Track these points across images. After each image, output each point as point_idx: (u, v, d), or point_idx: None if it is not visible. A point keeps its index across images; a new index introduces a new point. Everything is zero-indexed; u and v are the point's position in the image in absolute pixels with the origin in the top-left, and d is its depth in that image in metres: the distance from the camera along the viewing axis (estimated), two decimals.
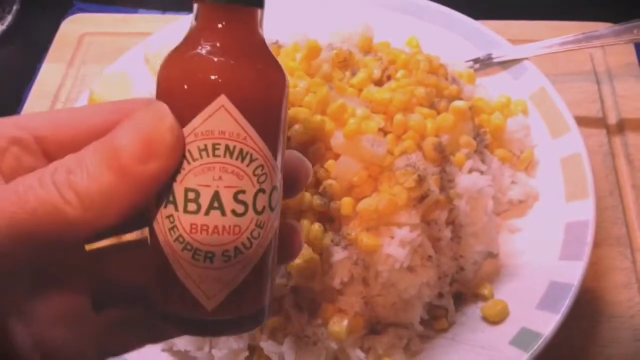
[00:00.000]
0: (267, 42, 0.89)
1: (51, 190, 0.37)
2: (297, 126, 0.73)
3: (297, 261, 0.68)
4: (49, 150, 0.42)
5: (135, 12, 1.23)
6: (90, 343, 0.45)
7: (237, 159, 0.40)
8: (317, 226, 0.71)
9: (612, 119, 0.99)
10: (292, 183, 0.49)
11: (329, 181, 0.73)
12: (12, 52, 1.22)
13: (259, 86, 0.42)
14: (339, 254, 0.71)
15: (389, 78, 0.86)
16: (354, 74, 0.84)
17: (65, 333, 0.43)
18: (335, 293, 0.72)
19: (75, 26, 1.19)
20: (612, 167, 0.93)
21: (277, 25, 0.96)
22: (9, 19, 1.22)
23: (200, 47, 0.42)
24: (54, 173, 0.38)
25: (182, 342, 0.73)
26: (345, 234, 0.71)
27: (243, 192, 0.41)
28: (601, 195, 0.89)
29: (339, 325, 0.71)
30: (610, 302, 0.81)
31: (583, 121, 0.90)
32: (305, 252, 0.69)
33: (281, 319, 0.72)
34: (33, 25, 1.24)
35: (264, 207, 0.42)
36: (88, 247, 0.47)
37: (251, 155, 0.41)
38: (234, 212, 0.40)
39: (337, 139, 0.73)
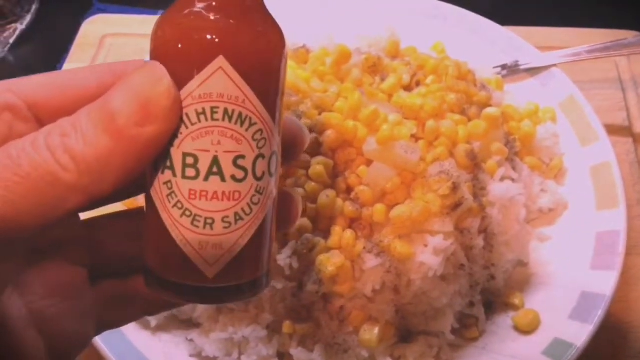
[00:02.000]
0: (294, 46, 0.90)
1: (45, 154, 0.35)
2: (329, 132, 0.73)
3: (330, 268, 0.68)
4: (42, 117, 0.40)
5: (157, 13, 1.22)
6: (86, 315, 0.44)
7: (236, 123, 0.39)
8: (349, 233, 0.70)
9: (638, 128, 0.98)
10: (290, 149, 0.47)
11: (361, 187, 0.72)
12: (31, 52, 1.21)
13: (259, 48, 0.40)
14: (371, 262, 0.70)
15: (417, 84, 0.85)
16: (383, 79, 0.84)
17: (60, 305, 0.42)
18: (367, 300, 0.72)
19: (96, 27, 1.18)
20: (639, 176, 0.92)
21: (301, 29, 0.97)
22: (28, 18, 1.21)
23: (196, 6, 0.39)
24: (48, 136, 0.36)
25: (211, 348, 0.73)
26: (377, 241, 0.71)
27: (242, 157, 0.39)
28: (629, 204, 0.87)
29: (370, 333, 0.70)
30: (638, 312, 0.80)
31: (609, 129, 0.90)
32: (338, 259, 0.68)
33: (312, 326, 0.72)
34: (52, 25, 1.23)
35: (263, 173, 0.41)
36: (83, 216, 0.45)
37: (250, 119, 0.39)
38: (233, 177, 0.39)
39: (370, 145, 0.73)
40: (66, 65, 1.13)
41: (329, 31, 0.92)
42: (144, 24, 1.18)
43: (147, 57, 0.98)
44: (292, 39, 0.91)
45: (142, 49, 1.04)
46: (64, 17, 1.24)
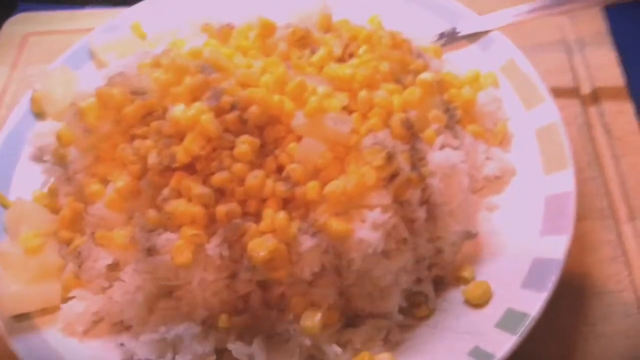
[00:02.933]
0: (220, 24, 0.85)
1: None
2: (253, 107, 0.68)
3: (262, 253, 0.63)
4: None
5: (83, 8, 1.16)
6: None
7: None
8: (282, 214, 0.65)
9: (586, 89, 0.95)
10: None
11: (292, 165, 0.67)
12: None
13: None
14: (307, 243, 0.65)
15: (351, 55, 0.81)
16: (313, 53, 0.79)
17: None
18: (306, 285, 0.67)
19: (18, 26, 1.12)
20: (589, 138, 0.89)
21: (232, 8, 0.92)
22: None
23: None
24: None
25: (143, 351, 0.67)
26: (313, 220, 0.66)
27: None
28: (580, 167, 0.84)
29: (312, 319, 0.66)
30: (597, 278, 0.77)
31: (556, 92, 0.86)
32: (270, 243, 0.63)
33: (249, 318, 0.67)
34: None
35: None
36: None
37: None
38: None
39: (298, 120, 0.68)
40: None
41: (258, 8, 0.87)
42: (70, 20, 1.12)
43: (68, 51, 0.93)
44: (219, 18, 0.87)
45: (67, 45, 0.98)
46: None
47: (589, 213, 0.82)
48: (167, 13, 0.99)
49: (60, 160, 0.78)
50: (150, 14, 1.00)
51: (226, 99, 0.68)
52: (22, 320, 0.70)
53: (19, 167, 0.85)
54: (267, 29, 0.77)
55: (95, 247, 0.71)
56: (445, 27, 0.94)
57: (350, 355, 0.67)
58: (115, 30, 0.97)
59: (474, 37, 0.91)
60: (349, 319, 0.70)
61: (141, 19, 0.99)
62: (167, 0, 1.01)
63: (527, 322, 0.64)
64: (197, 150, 0.66)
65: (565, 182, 0.73)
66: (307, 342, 0.66)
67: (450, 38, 0.92)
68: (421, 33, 0.92)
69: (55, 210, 0.77)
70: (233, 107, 0.68)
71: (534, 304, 0.65)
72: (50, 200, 0.78)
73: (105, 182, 0.73)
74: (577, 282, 0.76)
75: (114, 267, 0.70)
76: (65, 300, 0.71)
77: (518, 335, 0.63)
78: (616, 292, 0.76)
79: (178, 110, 0.68)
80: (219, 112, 0.68)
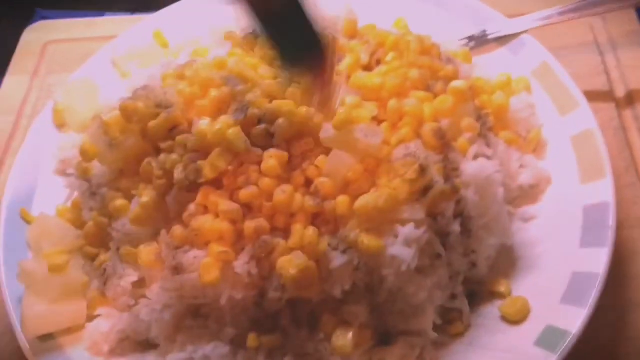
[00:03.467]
0: (244, 32, 0.83)
1: None
2: (280, 120, 0.66)
3: (292, 271, 0.61)
4: None
5: (103, 14, 1.15)
6: None
7: None
8: (311, 230, 0.63)
9: (621, 92, 0.92)
10: None
11: (321, 179, 0.65)
12: None
13: None
14: (338, 260, 0.63)
15: (378, 63, 0.79)
16: (340, 61, 0.77)
17: None
18: (337, 303, 0.65)
19: (37, 34, 1.11)
20: (625, 143, 0.86)
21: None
22: None
23: None
24: None
25: None
26: (343, 236, 0.64)
27: None
28: (617, 173, 0.81)
29: (344, 338, 0.64)
30: (637, 289, 0.74)
31: (589, 96, 0.83)
32: (300, 261, 0.62)
33: (279, 337, 0.65)
34: None
35: None
36: None
37: None
38: None
39: (327, 132, 0.66)
40: (7, 78, 1.05)
41: None
42: (89, 27, 1.11)
43: (90, 61, 0.91)
44: (240, 24, 0.84)
45: (88, 53, 0.97)
46: (5, 27, 1.16)
47: (626, 221, 0.79)
48: (189, 20, 0.98)
49: (84, 174, 0.77)
50: (172, 21, 0.99)
51: (253, 112, 0.66)
52: (46, 340, 0.69)
53: (41, 181, 0.84)
54: None
55: (121, 263, 0.69)
56: (473, 31, 0.91)
57: None
58: (137, 38, 0.96)
59: (503, 40, 0.89)
60: (382, 337, 0.67)
61: (163, 26, 0.97)
62: (189, 7, 1.00)
63: (568, 340, 0.61)
64: (224, 165, 0.64)
65: (603, 191, 0.71)
66: None
67: (479, 41, 0.90)
68: (449, 37, 0.89)
69: (79, 225, 0.75)
70: (260, 121, 0.66)
71: (574, 320, 0.62)
72: (74, 215, 0.76)
73: (130, 197, 0.71)
74: (616, 295, 0.73)
75: (140, 284, 0.69)
76: (91, 318, 0.70)
77: (559, 354, 0.61)
78: None
79: (204, 125, 0.66)
80: (246, 126, 0.66)
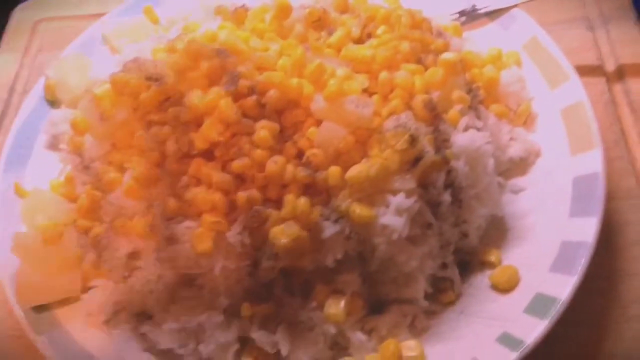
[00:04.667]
0: (234, 5, 0.83)
1: None
2: (272, 91, 0.66)
3: (284, 240, 0.61)
4: None
5: None
6: None
7: None
8: (303, 200, 0.64)
9: (611, 66, 0.92)
10: None
11: (313, 150, 0.66)
12: None
13: None
14: (330, 229, 0.64)
15: (369, 36, 0.79)
16: (330, 34, 0.77)
17: None
18: (330, 272, 0.66)
19: (28, 13, 1.10)
20: (615, 116, 0.87)
21: None
22: None
23: None
24: None
25: (165, 340, 0.67)
26: (335, 206, 0.65)
27: None
28: (606, 146, 0.81)
29: (336, 306, 0.64)
30: (627, 259, 0.75)
31: (580, 70, 0.84)
32: (292, 230, 0.62)
33: (272, 306, 0.66)
34: None
35: None
36: None
37: None
38: None
39: (318, 103, 0.67)
40: None
41: None
42: (80, 5, 1.11)
43: (80, 37, 0.91)
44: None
45: (79, 31, 0.96)
46: None
47: (615, 193, 0.80)
48: None
49: (76, 149, 0.77)
50: None
51: (244, 83, 0.66)
52: (41, 311, 0.69)
53: (34, 156, 0.84)
54: (283, 11, 0.75)
55: (115, 235, 0.69)
56: (464, 5, 0.91)
57: (375, 342, 0.66)
58: (128, 14, 0.95)
59: (494, 14, 0.89)
60: (374, 305, 0.68)
61: (153, 2, 0.97)
62: None
63: (557, 307, 0.62)
64: (216, 136, 0.65)
65: (593, 162, 0.71)
66: (332, 329, 0.65)
67: (470, 16, 0.90)
68: (440, 11, 0.89)
69: (72, 199, 0.76)
70: (251, 92, 0.66)
71: (563, 288, 0.63)
72: (67, 189, 0.77)
73: (122, 170, 0.71)
74: (606, 264, 0.74)
75: (134, 255, 0.69)
76: (86, 290, 0.71)
77: (548, 320, 0.62)
78: None
79: (195, 96, 0.66)
80: (237, 97, 0.66)
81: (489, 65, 0.80)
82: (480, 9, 0.90)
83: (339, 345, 0.66)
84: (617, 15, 0.98)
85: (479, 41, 0.87)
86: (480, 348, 0.63)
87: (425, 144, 0.66)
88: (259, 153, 0.65)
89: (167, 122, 0.68)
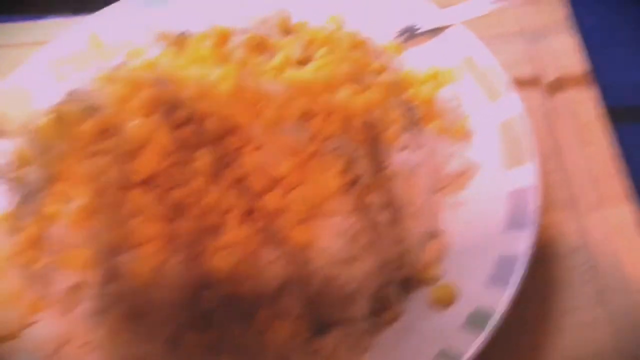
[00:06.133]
0: (177, 32, 0.84)
1: None
2: (210, 119, 0.67)
3: (224, 268, 0.62)
4: None
5: (41, 18, 1.14)
6: None
7: None
8: (243, 227, 0.65)
9: (548, 78, 0.95)
10: None
11: (252, 176, 0.67)
12: None
13: None
14: (270, 254, 0.65)
15: (310, 59, 0.80)
16: (272, 58, 0.78)
17: None
18: (272, 297, 0.66)
19: None
20: (552, 128, 0.89)
21: (192, 16, 0.91)
22: None
23: None
24: None
25: None
26: (275, 231, 0.66)
27: None
28: (543, 157, 0.85)
29: (279, 331, 0.65)
30: (562, 269, 0.77)
31: (519, 83, 0.86)
32: (232, 257, 0.63)
33: (216, 333, 0.66)
34: None
35: None
36: None
37: None
38: None
39: (256, 129, 0.67)
40: None
41: (213, 16, 0.86)
42: (25, 31, 1.10)
43: (24, 65, 0.91)
44: (172, 26, 0.85)
45: (21, 61, 0.95)
46: None
47: (552, 204, 0.82)
48: (125, 22, 0.97)
49: (20, 181, 0.77)
50: (109, 23, 0.98)
51: (181, 112, 0.67)
52: None
53: None
54: (221, 37, 0.76)
55: (57, 268, 0.69)
56: (406, 23, 0.93)
57: None
58: (72, 41, 0.95)
59: (434, 32, 0.91)
60: (318, 327, 0.69)
61: (99, 29, 0.97)
62: (125, 9, 0.99)
63: (494, 320, 0.64)
64: (154, 165, 0.65)
65: (527, 176, 0.73)
66: (275, 354, 0.66)
67: (410, 34, 0.92)
68: (383, 30, 0.91)
69: (16, 232, 0.75)
70: (189, 120, 0.67)
71: (499, 301, 0.65)
72: (10, 222, 0.76)
73: (64, 201, 0.71)
74: (543, 275, 0.77)
75: (77, 288, 0.69)
76: (29, 325, 0.70)
77: (484, 333, 0.63)
78: (583, 282, 0.76)
79: (133, 126, 0.67)
80: (175, 126, 0.67)
81: (427, 83, 0.82)
82: (422, 27, 0.91)
83: None
84: (554, 27, 1.01)
85: (420, 59, 0.89)
86: None
87: (362, 165, 0.68)
88: (197, 181, 0.65)
89: (106, 153, 0.68)
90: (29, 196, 0.75)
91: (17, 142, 0.78)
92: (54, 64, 0.92)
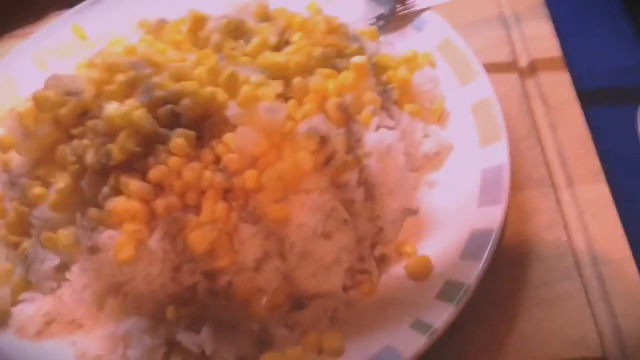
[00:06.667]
0: (153, 20, 0.85)
1: None
2: (186, 100, 0.69)
3: (203, 245, 0.64)
4: None
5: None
6: None
7: None
8: (221, 205, 0.67)
9: (524, 62, 0.97)
10: None
11: (229, 155, 0.68)
12: None
13: None
14: (248, 231, 0.67)
15: (286, 43, 0.82)
16: (248, 43, 0.80)
17: None
18: (251, 272, 0.68)
19: None
20: (527, 109, 0.91)
21: (175, 4, 0.92)
22: None
23: None
24: None
25: (94, 347, 0.68)
26: (252, 208, 0.67)
27: None
28: (518, 137, 0.87)
29: (258, 304, 0.67)
30: (537, 244, 0.79)
31: (494, 67, 0.88)
32: (211, 234, 0.65)
33: (196, 308, 0.68)
34: None
35: None
36: None
37: None
38: None
39: (232, 109, 0.69)
40: None
41: (194, 3, 0.88)
42: (9, 22, 1.11)
43: (9, 56, 0.92)
44: (153, 14, 0.87)
45: (8, 50, 0.97)
46: None
47: (527, 182, 0.84)
48: (108, 13, 0.99)
49: (4, 166, 0.78)
50: (92, 14, 1.00)
51: (158, 94, 0.69)
52: None
53: None
54: (197, 22, 0.78)
55: (42, 249, 0.71)
56: (383, 10, 0.95)
57: (298, 336, 0.69)
58: (56, 33, 0.97)
59: (410, 17, 0.93)
60: (296, 301, 0.71)
61: (82, 20, 0.99)
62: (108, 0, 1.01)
63: (464, 291, 0.66)
64: (132, 146, 0.67)
65: (499, 153, 0.75)
66: (255, 326, 0.67)
67: (387, 20, 0.94)
68: (360, 17, 0.93)
69: (1, 215, 0.77)
70: (166, 102, 0.69)
71: (471, 273, 0.67)
72: None
73: (48, 184, 0.73)
74: (517, 250, 0.78)
75: (62, 267, 0.71)
76: (16, 303, 0.72)
77: (455, 304, 0.65)
78: (556, 256, 0.78)
79: (111, 108, 0.68)
80: (152, 107, 0.69)
81: (403, 66, 0.84)
82: (398, 13, 0.93)
83: (263, 341, 0.69)
84: (530, 13, 1.03)
85: (396, 44, 0.91)
86: (395, 334, 0.66)
87: (337, 144, 0.69)
88: (175, 161, 0.67)
89: (86, 136, 0.70)
90: (14, 180, 0.76)
91: (1, 129, 0.80)
92: (38, 54, 0.94)
